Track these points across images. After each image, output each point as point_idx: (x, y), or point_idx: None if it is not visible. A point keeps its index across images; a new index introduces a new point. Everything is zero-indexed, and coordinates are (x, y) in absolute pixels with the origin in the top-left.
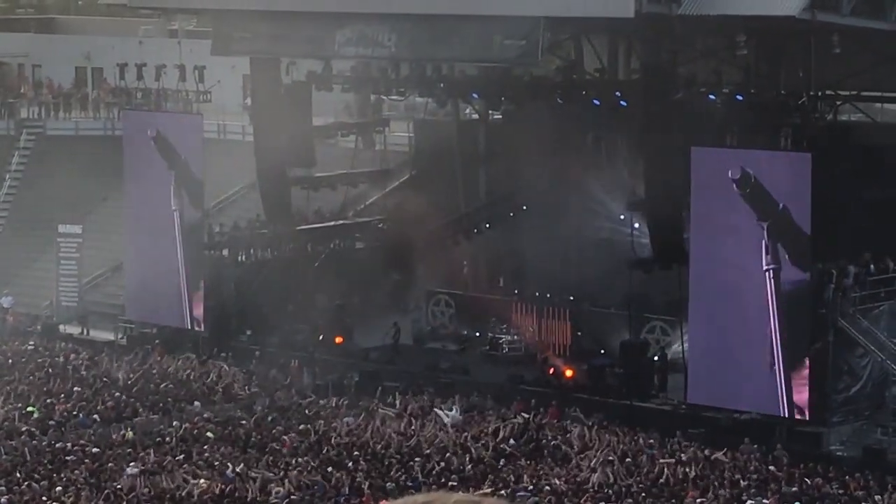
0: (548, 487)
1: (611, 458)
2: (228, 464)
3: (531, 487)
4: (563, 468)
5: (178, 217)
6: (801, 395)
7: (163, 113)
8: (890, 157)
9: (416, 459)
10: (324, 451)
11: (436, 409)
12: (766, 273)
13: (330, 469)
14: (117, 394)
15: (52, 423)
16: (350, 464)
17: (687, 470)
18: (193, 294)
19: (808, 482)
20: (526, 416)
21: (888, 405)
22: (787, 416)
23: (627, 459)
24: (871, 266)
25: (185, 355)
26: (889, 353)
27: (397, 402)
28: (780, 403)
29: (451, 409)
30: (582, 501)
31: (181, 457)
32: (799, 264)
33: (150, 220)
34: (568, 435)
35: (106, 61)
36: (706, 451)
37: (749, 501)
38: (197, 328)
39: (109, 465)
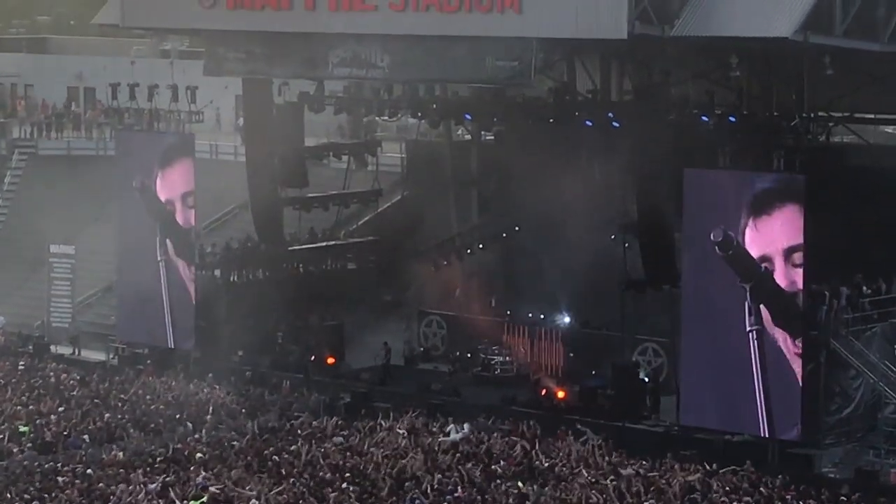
0: None
1: (604, 481)
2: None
3: None
4: (556, 489)
5: (164, 267)
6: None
7: (155, 133)
8: (882, 179)
9: (407, 482)
10: (315, 473)
11: (451, 428)
12: (750, 334)
13: (322, 490)
14: (108, 414)
15: (41, 443)
16: (343, 485)
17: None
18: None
19: None
20: (526, 446)
21: (880, 427)
22: (765, 436)
23: (614, 480)
24: (864, 288)
25: (177, 376)
26: (881, 375)
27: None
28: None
29: (464, 428)
30: None
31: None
32: (782, 325)
33: (140, 240)
34: (562, 455)
35: (98, 81)
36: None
37: None
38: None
39: (100, 485)
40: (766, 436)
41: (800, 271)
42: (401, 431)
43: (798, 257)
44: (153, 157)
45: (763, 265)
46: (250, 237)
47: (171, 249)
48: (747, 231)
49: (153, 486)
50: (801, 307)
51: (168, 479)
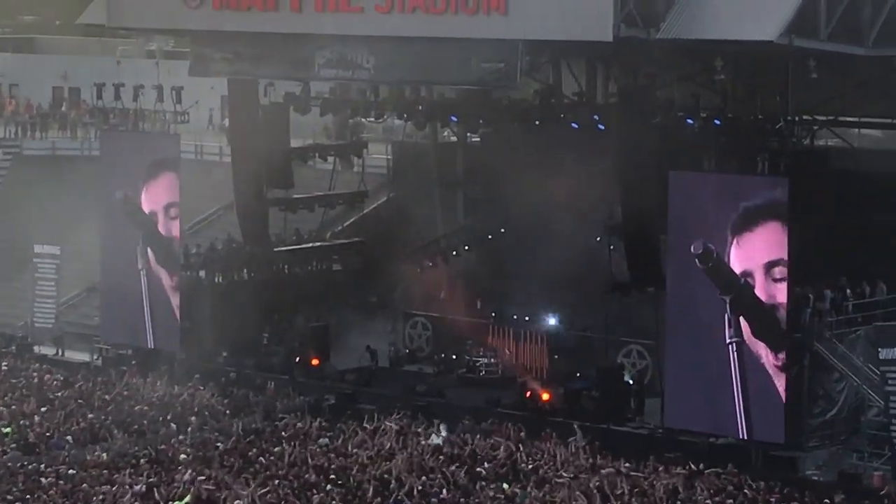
0: None
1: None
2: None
3: None
4: (540, 491)
5: (145, 276)
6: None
7: (140, 133)
8: (866, 183)
9: (392, 484)
10: (300, 474)
11: (432, 432)
12: (729, 346)
13: (306, 493)
14: (91, 415)
15: (24, 444)
16: (327, 487)
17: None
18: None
19: None
20: (511, 447)
21: (864, 430)
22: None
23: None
24: (848, 291)
25: (161, 377)
26: (865, 378)
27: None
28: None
29: (441, 432)
30: None
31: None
32: (762, 338)
33: (123, 244)
34: (546, 457)
35: (83, 81)
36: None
37: None
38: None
39: (83, 486)
40: (745, 438)
41: (780, 286)
42: (386, 433)
43: (779, 272)
44: (138, 167)
45: (744, 279)
46: (235, 238)
47: (153, 259)
48: (731, 249)
49: (138, 487)
50: (782, 321)
51: (152, 480)
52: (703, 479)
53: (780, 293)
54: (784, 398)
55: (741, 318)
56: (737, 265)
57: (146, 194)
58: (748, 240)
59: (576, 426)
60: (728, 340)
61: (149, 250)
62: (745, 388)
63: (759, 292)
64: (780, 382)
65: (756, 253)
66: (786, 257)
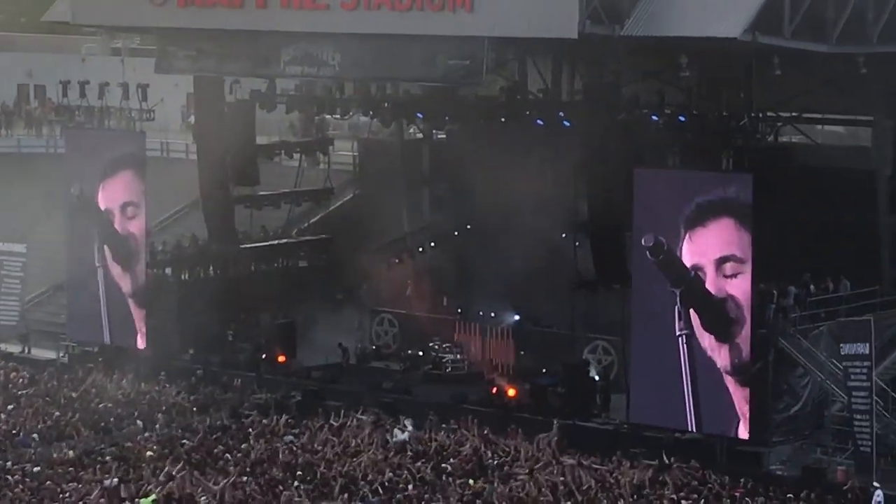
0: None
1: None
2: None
3: None
4: (505, 486)
5: (102, 274)
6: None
7: (106, 131)
8: (830, 179)
9: (360, 481)
10: (266, 471)
11: (396, 429)
12: (679, 338)
13: (273, 488)
14: (58, 413)
15: None
16: (295, 483)
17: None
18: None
19: (750, 502)
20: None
21: (828, 425)
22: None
23: (562, 478)
24: (812, 287)
25: (127, 374)
26: (829, 374)
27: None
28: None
29: (406, 427)
30: None
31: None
32: (710, 330)
33: (85, 241)
34: (512, 452)
35: (49, 79)
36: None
37: None
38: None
39: (49, 484)
40: (694, 430)
41: (731, 281)
42: (352, 429)
43: (730, 268)
44: (98, 163)
45: (694, 272)
46: (201, 236)
47: (109, 256)
48: (683, 243)
49: (108, 482)
50: (731, 314)
51: (121, 476)
52: (668, 474)
53: (731, 287)
54: (731, 391)
55: (691, 311)
56: (688, 259)
57: (102, 192)
58: (700, 235)
59: (555, 423)
60: (678, 333)
61: (105, 247)
62: (694, 380)
63: (710, 286)
64: (727, 375)
65: (708, 248)
66: (738, 254)
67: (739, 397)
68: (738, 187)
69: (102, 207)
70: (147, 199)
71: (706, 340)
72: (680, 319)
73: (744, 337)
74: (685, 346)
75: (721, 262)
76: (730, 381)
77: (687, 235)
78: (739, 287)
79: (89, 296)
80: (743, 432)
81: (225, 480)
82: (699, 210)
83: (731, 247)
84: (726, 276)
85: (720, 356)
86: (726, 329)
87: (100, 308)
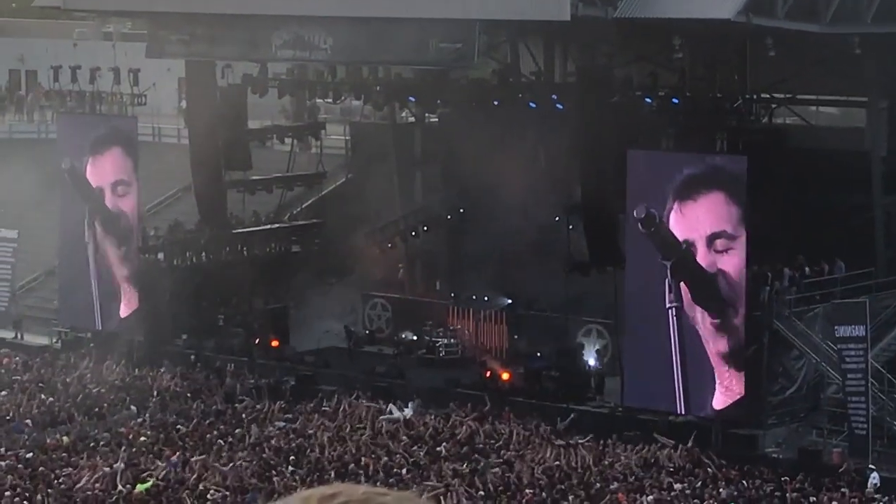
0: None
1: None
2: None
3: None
4: (499, 469)
5: (92, 250)
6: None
7: (97, 116)
8: (824, 160)
9: (351, 465)
10: (259, 455)
11: (391, 405)
12: (669, 311)
13: (267, 472)
14: (51, 399)
15: None
16: (287, 468)
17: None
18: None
19: (746, 484)
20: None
21: (823, 407)
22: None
23: (558, 462)
24: (806, 269)
25: (121, 360)
26: (824, 356)
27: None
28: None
29: (405, 406)
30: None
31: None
32: (700, 303)
33: (77, 224)
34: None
35: (40, 64)
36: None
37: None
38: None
39: (41, 469)
40: (683, 413)
41: (722, 256)
42: (345, 414)
43: (721, 244)
44: (85, 140)
45: (686, 245)
46: (193, 220)
47: (100, 230)
48: (672, 214)
49: (118, 465)
50: (722, 289)
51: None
52: (662, 457)
53: (722, 262)
54: (714, 365)
55: (682, 284)
56: (679, 233)
57: (91, 167)
58: (691, 208)
59: (571, 415)
60: (668, 305)
61: (96, 223)
62: (682, 355)
63: (701, 259)
64: (712, 347)
65: (699, 224)
66: (729, 230)
67: (724, 372)
68: (722, 160)
69: (94, 184)
70: (138, 183)
71: (697, 314)
72: (670, 292)
73: (739, 319)
74: (674, 319)
75: (712, 238)
76: (718, 361)
77: (677, 207)
78: (730, 263)
79: (81, 280)
80: (718, 404)
81: (232, 462)
82: (689, 182)
83: (721, 222)
84: (717, 252)
85: (713, 335)
86: (718, 305)
87: (91, 292)
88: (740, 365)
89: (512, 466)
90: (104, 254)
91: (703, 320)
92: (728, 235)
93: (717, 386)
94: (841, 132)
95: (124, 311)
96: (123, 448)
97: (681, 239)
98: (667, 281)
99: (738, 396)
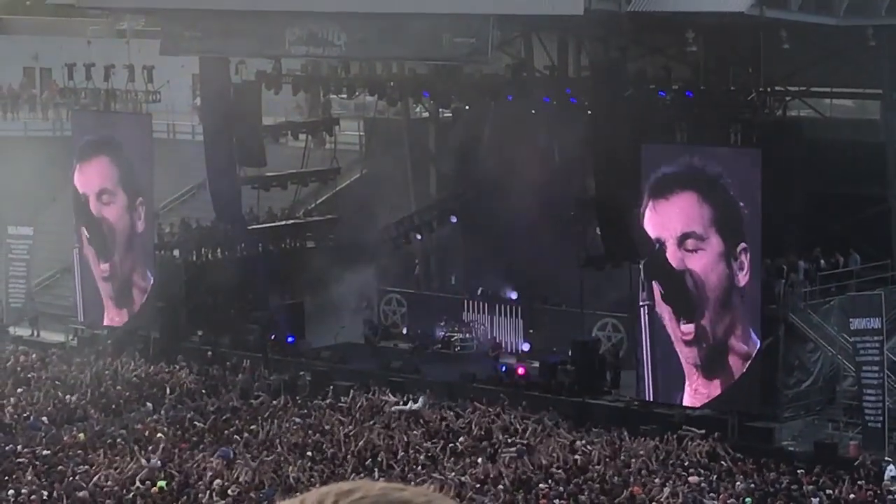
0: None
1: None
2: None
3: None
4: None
5: (77, 255)
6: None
7: (111, 114)
8: (839, 153)
9: (368, 461)
10: (276, 450)
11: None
12: (641, 308)
13: (283, 468)
14: (67, 396)
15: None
16: (304, 463)
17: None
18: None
19: (762, 477)
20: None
21: (839, 400)
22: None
23: (576, 456)
24: (822, 261)
25: (136, 356)
26: (839, 348)
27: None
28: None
29: (417, 400)
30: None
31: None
32: (669, 303)
33: None
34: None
35: (54, 62)
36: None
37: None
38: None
39: (59, 467)
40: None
41: (691, 256)
42: (362, 409)
43: (691, 244)
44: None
45: (658, 244)
46: (209, 217)
47: (86, 238)
48: (647, 211)
49: (154, 460)
50: (690, 289)
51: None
52: (679, 450)
53: (691, 261)
54: (685, 371)
55: (654, 283)
56: (651, 230)
57: (78, 174)
58: (663, 207)
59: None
60: (640, 303)
61: (83, 229)
62: (653, 352)
63: (671, 259)
64: (680, 348)
65: (671, 222)
66: (699, 230)
67: (694, 376)
68: (694, 159)
69: (80, 190)
70: (150, 184)
71: (665, 314)
72: (643, 290)
73: (707, 320)
74: (646, 317)
75: (683, 238)
76: (689, 368)
77: (651, 205)
78: (699, 262)
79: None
80: (688, 401)
81: (260, 457)
82: (664, 180)
83: (692, 223)
84: (688, 251)
85: (683, 346)
86: (687, 308)
87: (96, 290)
88: (710, 374)
89: (529, 459)
90: (87, 261)
91: (670, 319)
92: (697, 236)
93: (685, 387)
94: (855, 124)
95: (107, 321)
96: (151, 446)
97: (653, 237)
98: (640, 280)
99: (707, 400)
